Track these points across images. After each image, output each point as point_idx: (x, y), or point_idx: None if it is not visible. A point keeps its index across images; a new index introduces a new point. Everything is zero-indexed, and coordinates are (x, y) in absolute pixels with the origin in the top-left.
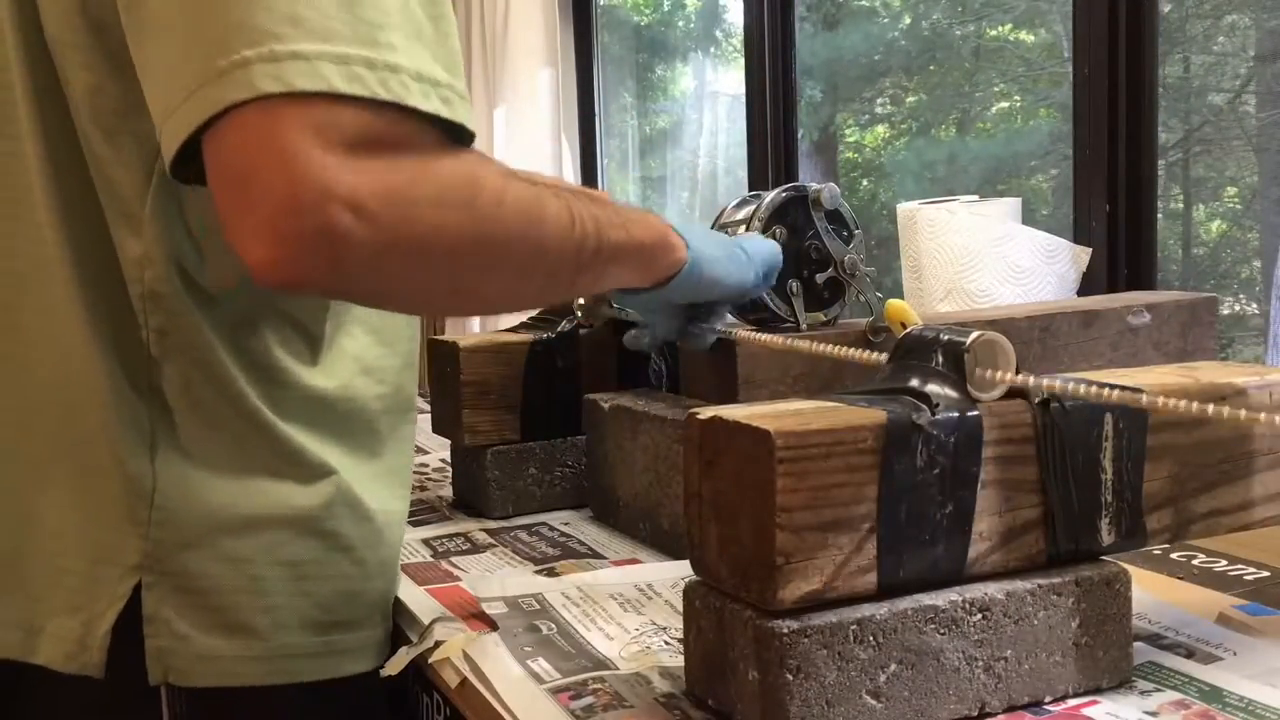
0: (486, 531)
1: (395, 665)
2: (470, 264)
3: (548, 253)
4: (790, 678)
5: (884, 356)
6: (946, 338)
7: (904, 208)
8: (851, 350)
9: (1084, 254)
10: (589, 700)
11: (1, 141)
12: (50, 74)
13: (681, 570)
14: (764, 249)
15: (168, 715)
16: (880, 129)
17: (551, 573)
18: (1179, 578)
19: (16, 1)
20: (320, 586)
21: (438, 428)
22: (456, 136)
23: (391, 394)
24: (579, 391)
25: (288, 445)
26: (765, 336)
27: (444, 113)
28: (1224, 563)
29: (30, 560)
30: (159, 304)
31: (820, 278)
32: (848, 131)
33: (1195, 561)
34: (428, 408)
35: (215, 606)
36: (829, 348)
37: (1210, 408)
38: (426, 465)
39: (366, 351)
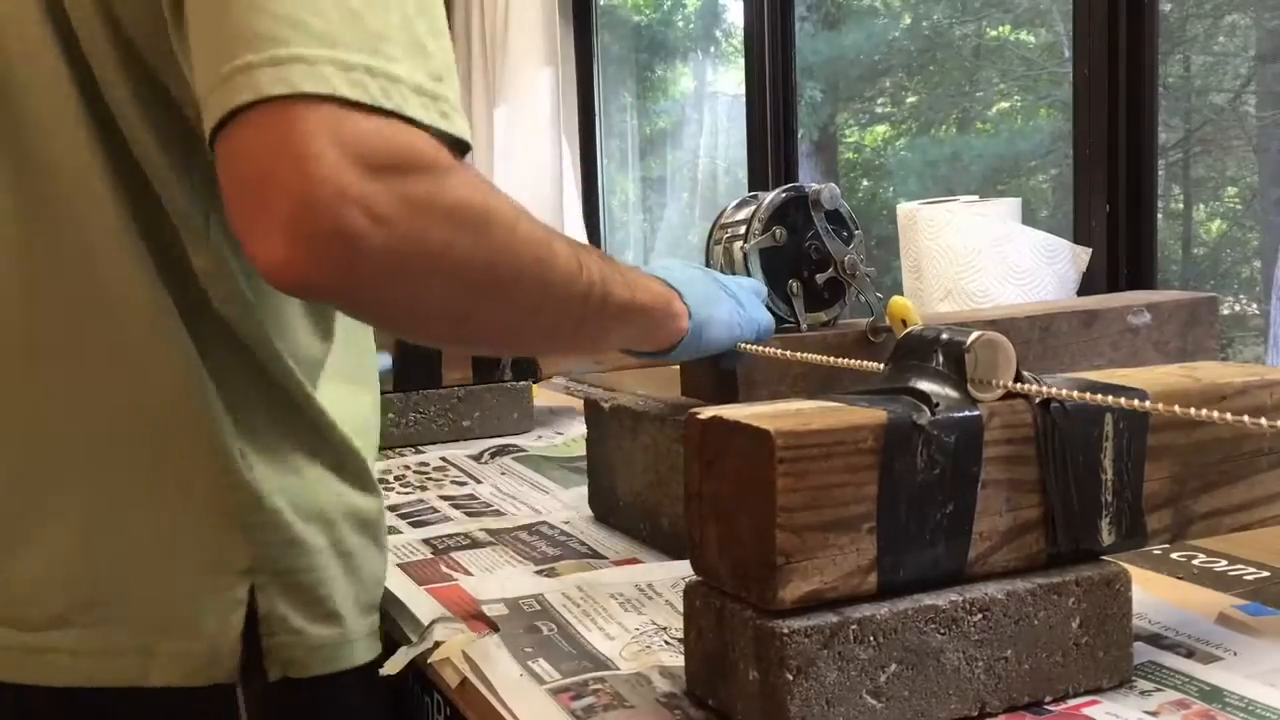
0: (486, 531)
1: (395, 665)
2: (479, 291)
3: (554, 295)
4: (790, 677)
5: (878, 366)
6: (947, 338)
7: (904, 208)
8: (847, 360)
9: (1084, 254)
10: (589, 700)
11: (65, 159)
12: (106, 110)
13: (682, 570)
14: (754, 291)
15: (245, 713)
16: (880, 128)
17: (552, 573)
18: (1179, 578)
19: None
20: (366, 575)
21: None
22: (456, 151)
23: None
24: (439, 356)
25: (336, 442)
26: (768, 350)
27: (443, 126)
28: (1224, 563)
29: (131, 586)
30: (232, 320)
31: (820, 278)
32: (848, 131)
33: (1195, 561)
34: None
35: (314, 599)
36: (827, 359)
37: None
38: (427, 464)
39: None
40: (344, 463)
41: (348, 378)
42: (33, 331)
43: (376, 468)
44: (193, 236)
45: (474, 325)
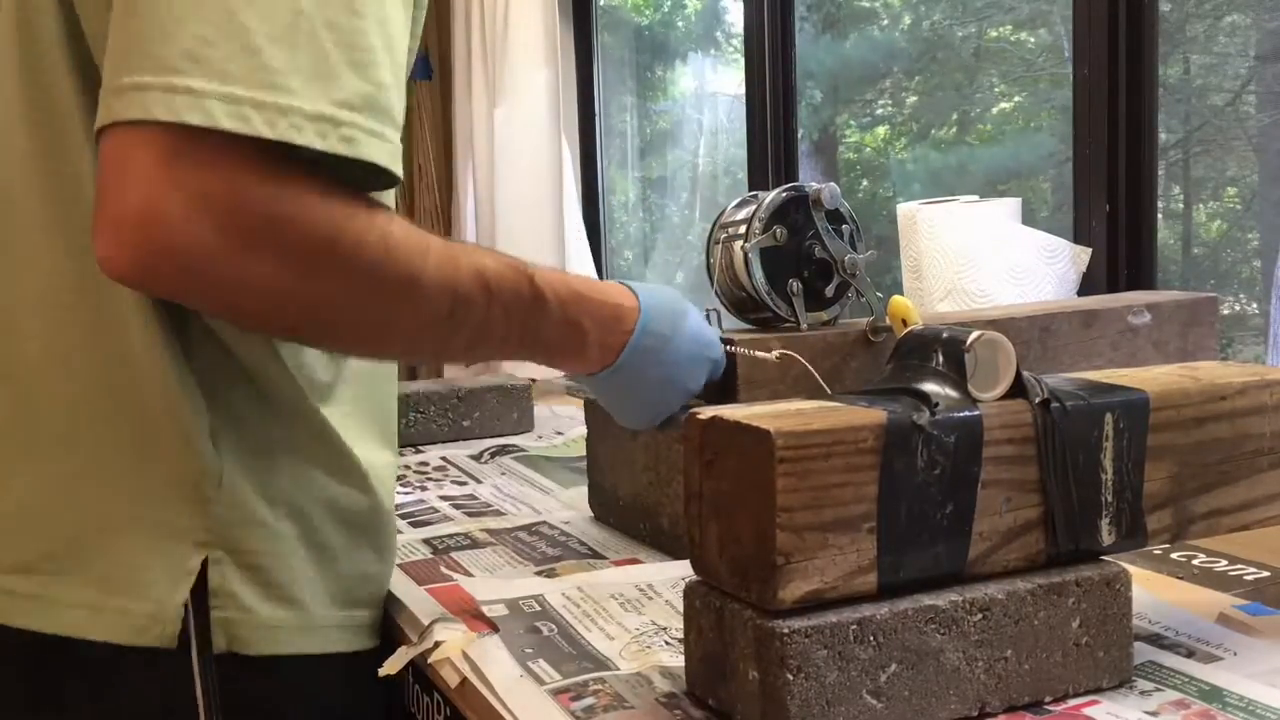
0: (487, 531)
1: (394, 665)
2: (291, 321)
3: (402, 333)
4: (790, 677)
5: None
6: (947, 337)
7: (904, 208)
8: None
9: (1084, 254)
10: (589, 701)
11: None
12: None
13: (682, 570)
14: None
15: (199, 682)
16: (881, 130)
17: (552, 573)
18: (1179, 578)
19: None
20: (347, 569)
21: None
22: (373, 173)
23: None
24: None
25: (330, 444)
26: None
27: (343, 150)
28: (1224, 563)
29: (91, 544)
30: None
31: (820, 278)
32: (848, 132)
33: (1195, 561)
34: None
35: (272, 581)
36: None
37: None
38: (427, 464)
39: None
40: (337, 465)
41: (367, 425)
42: (23, 294)
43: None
44: None
45: (311, 339)
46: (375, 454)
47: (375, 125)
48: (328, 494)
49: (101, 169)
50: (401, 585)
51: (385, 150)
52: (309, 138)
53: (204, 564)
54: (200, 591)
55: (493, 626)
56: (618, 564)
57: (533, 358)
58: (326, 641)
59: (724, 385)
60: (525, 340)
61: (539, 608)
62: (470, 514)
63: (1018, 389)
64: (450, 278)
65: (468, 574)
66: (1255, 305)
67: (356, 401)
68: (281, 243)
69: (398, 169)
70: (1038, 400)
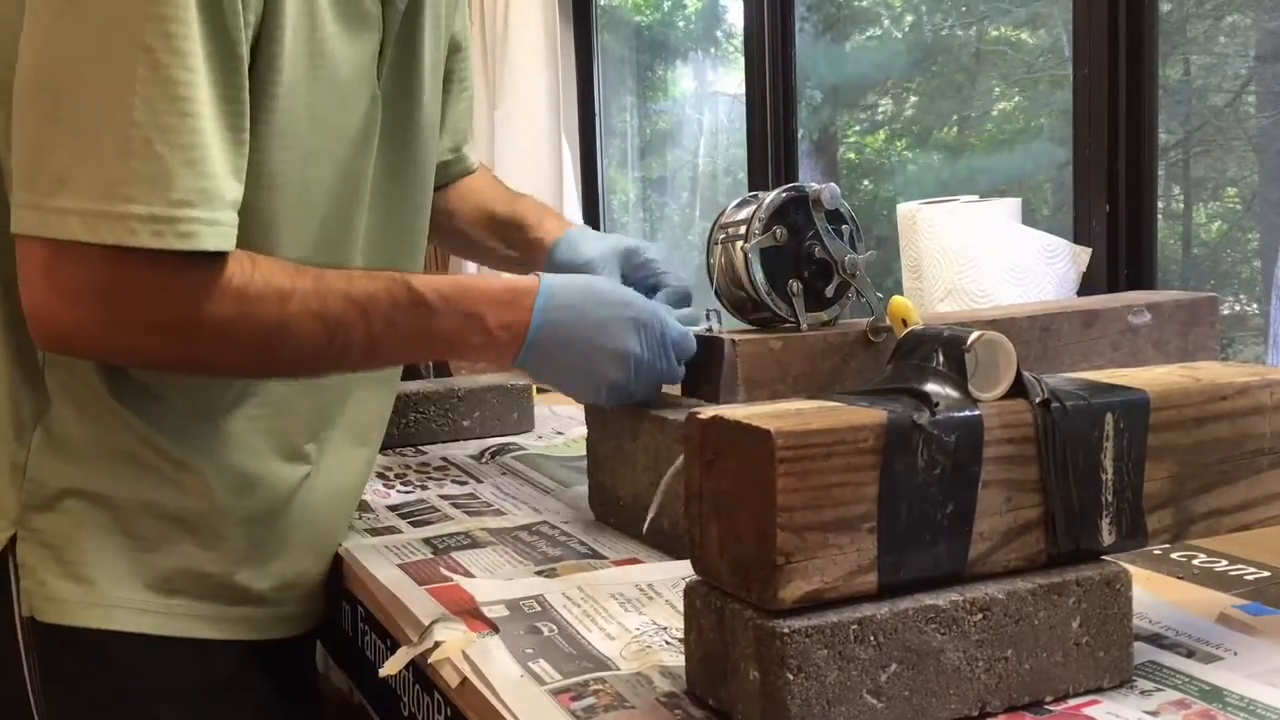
0: (487, 531)
1: (394, 665)
2: (195, 370)
3: (282, 369)
4: (791, 677)
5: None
6: (947, 337)
7: (904, 208)
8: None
9: (1084, 254)
10: (590, 701)
11: None
12: None
13: (682, 570)
14: (670, 339)
15: (22, 643)
16: (881, 132)
17: (552, 573)
18: (1179, 578)
19: None
20: (167, 560)
21: None
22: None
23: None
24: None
25: (156, 445)
26: None
27: (177, 245)
28: (1224, 563)
29: None
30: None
31: (820, 278)
32: (849, 133)
33: (1196, 561)
34: None
35: (65, 560)
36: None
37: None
38: (428, 464)
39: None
40: (161, 469)
41: (256, 449)
42: None
43: (377, 462)
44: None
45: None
46: (257, 461)
47: (209, 214)
48: (146, 494)
49: (17, 266)
50: (401, 585)
51: (218, 234)
52: (143, 239)
53: (14, 539)
54: (13, 562)
55: (493, 626)
56: (618, 564)
57: (447, 354)
58: (123, 620)
59: (725, 385)
60: (424, 340)
61: (539, 608)
62: (470, 513)
63: (1018, 389)
64: (318, 311)
65: (468, 574)
66: (1255, 305)
67: (251, 420)
68: (147, 321)
69: (229, 246)
70: (1038, 400)
